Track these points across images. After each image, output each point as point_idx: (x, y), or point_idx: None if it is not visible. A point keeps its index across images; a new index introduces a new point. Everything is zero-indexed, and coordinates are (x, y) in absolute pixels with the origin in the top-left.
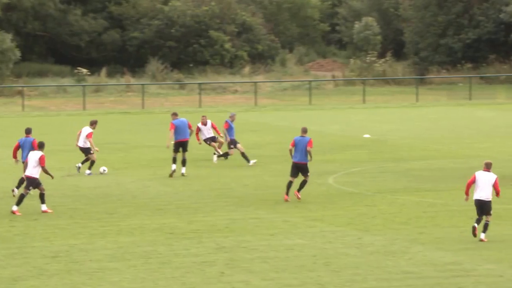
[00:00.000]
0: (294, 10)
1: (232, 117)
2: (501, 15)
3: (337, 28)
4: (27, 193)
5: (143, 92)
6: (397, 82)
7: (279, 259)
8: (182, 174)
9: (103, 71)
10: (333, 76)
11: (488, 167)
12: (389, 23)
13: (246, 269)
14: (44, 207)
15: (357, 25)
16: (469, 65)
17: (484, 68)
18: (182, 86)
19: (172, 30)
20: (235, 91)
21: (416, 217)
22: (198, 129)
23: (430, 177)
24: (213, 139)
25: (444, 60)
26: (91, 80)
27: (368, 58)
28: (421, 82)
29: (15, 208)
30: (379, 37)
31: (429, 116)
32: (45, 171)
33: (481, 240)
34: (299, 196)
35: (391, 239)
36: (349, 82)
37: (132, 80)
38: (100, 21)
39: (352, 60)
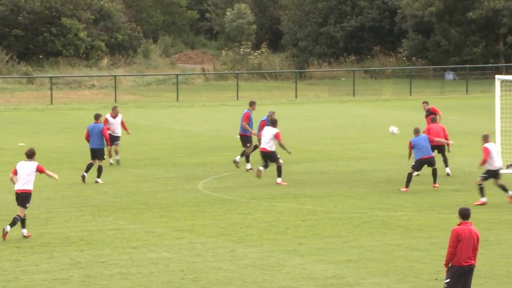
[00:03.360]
0: None
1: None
2: None
3: (207, 16)
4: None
5: None
6: (274, 76)
7: (142, 275)
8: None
9: None
10: (203, 70)
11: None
12: (264, 10)
13: (105, 286)
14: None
15: (229, 13)
16: (353, 58)
17: (368, 61)
18: (30, 80)
19: (19, 17)
20: (92, 86)
21: (294, 226)
22: (106, 121)
23: (310, 182)
24: (115, 139)
25: (325, 51)
26: None
27: (241, 49)
28: (301, 76)
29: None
30: (253, 26)
31: (309, 113)
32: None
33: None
34: (437, 185)
35: (267, 250)
36: (221, 76)
37: None
38: None
39: (224, 52)
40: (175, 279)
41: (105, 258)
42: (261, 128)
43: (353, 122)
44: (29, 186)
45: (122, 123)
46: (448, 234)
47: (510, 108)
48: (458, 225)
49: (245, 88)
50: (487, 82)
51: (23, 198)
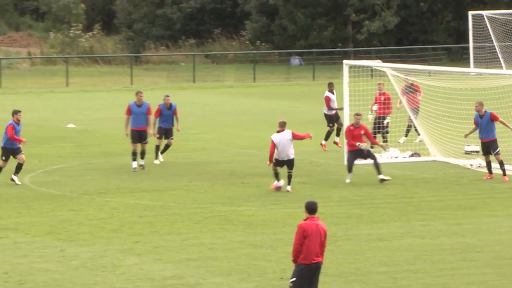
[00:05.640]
0: None
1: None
2: None
3: None
4: None
5: None
6: (107, 60)
7: None
8: None
9: None
10: (29, 53)
11: (281, 126)
12: None
13: None
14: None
15: None
16: (192, 41)
17: (209, 44)
18: None
19: None
20: None
21: (130, 223)
22: None
23: (148, 175)
24: None
25: (162, 33)
26: None
27: (71, 31)
28: (136, 61)
29: None
30: (82, 6)
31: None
32: None
33: (288, 191)
34: None
35: (100, 250)
36: (49, 61)
37: None
38: None
39: (52, 34)
40: None
41: None
42: (156, 113)
43: (194, 110)
44: None
45: None
46: (294, 229)
47: (359, 95)
48: (305, 220)
49: (76, 74)
50: (335, 68)
51: None
